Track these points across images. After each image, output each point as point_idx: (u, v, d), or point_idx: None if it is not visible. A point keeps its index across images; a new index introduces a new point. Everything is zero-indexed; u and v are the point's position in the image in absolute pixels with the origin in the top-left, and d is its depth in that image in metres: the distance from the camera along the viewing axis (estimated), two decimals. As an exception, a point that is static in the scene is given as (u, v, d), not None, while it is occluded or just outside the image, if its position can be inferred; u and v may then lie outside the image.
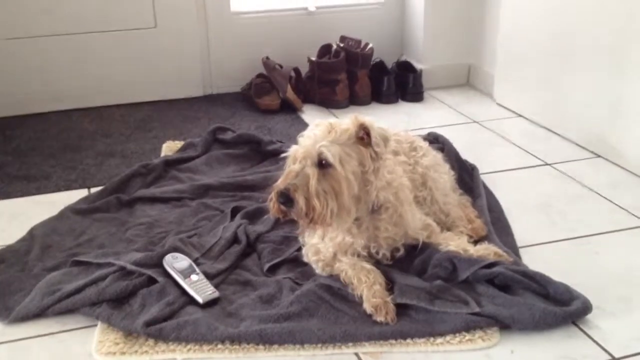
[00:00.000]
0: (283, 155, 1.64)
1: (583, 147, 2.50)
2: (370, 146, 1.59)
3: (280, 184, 1.57)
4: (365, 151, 1.59)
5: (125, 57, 3.03)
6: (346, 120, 1.62)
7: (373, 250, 1.70)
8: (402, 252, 1.73)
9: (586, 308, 1.53)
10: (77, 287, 1.59)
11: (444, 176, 1.91)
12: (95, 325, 1.53)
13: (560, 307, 1.53)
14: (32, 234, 1.91)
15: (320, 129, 1.60)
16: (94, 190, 2.20)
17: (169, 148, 2.55)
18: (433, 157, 1.92)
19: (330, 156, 1.55)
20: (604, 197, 2.13)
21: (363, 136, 1.60)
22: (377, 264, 1.69)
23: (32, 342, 1.51)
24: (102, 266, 1.69)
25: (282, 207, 1.56)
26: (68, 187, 2.26)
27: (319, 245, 1.71)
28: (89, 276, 1.64)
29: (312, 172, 1.55)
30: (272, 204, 1.58)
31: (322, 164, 1.56)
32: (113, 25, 2.98)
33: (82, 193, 2.19)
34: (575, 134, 2.55)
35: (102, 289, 1.59)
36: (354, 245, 1.68)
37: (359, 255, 1.69)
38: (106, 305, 1.55)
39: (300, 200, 1.53)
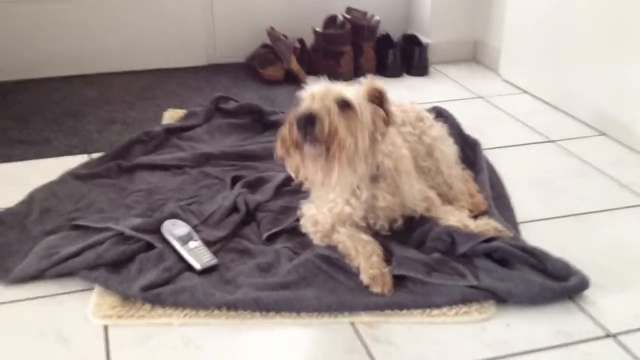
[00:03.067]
0: (298, 93, 1.58)
1: (588, 125, 2.48)
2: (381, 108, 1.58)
3: (300, 110, 1.50)
4: (378, 110, 1.58)
5: (129, 24, 3.00)
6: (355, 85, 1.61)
7: (371, 221, 1.69)
8: (399, 222, 1.72)
9: (583, 284, 1.53)
10: (76, 251, 1.60)
11: (450, 149, 1.90)
12: (93, 289, 1.53)
13: (558, 283, 1.52)
14: (31, 197, 1.91)
15: (324, 84, 1.58)
16: (94, 156, 2.19)
17: (171, 116, 2.53)
18: (439, 129, 1.90)
19: (352, 98, 1.53)
20: (607, 175, 2.12)
21: (374, 99, 1.59)
22: (376, 235, 1.69)
23: (30, 303, 1.51)
24: (101, 230, 1.69)
25: (299, 133, 1.47)
26: (69, 153, 2.25)
27: (318, 216, 1.70)
28: (88, 240, 1.64)
29: (333, 107, 1.51)
30: (283, 136, 1.51)
31: (342, 105, 1.52)
32: (117, -10, 2.96)
33: (82, 159, 2.19)
34: (581, 111, 2.53)
35: (100, 253, 1.59)
36: (352, 216, 1.67)
37: (357, 227, 1.68)
38: (104, 269, 1.55)
39: (325, 122, 1.47)
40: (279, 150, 1.55)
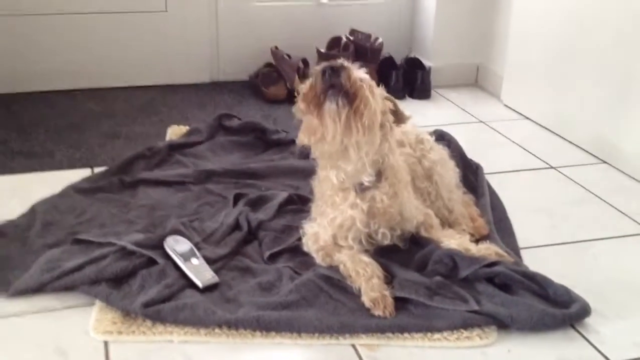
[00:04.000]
0: (310, 70, 1.60)
1: (589, 153, 2.49)
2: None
3: (324, 63, 1.49)
4: (387, 102, 1.61)
5: (134, 39, 3.02)
6: None
7: (372, 228, 1.68)
8: (399, 232, 1.72)
9: (585, 311, 1.53)
10: (77, 265, 1.59)
11: (450, 172, 1.91)
12: (94, 304, 1.53)
13: (560, 309, 1.52)
14: (33, 210, 1.90)
15: None
16: (97, 170, 2.19)
17: (174, 132, 2.54)
18: (440, 152, 1.91)
19: (363, 74, 1.54)
20: (608, 203, 2.13)
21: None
22: (377, 254, 1.68)
23: (30, 317, 1.50)
24: (103, 245, 1.68)
25: (324, 81, 1.45)
26: (71, 166, 2.25)
27: (319, 232, 1.70)
28: (89, 255, 1.63)
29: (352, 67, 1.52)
30: (307, 88, 1.50)
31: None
32: (123, 6, 2.97)
33: (85, 172, 2.19)
34: (582, 139, 2.54)
35: (102, 268, 1.58)
36: (355, 223, 1.66)
37: (360, 242, 1.68)
38: (105, 285, 1.55)
39: (352, 72, 1.47)
40: (300, 105, 1.53)
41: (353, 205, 1.66)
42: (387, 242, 1.70)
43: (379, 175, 1.66)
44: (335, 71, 1.47)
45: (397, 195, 1.68)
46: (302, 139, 1.59)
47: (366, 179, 1.65)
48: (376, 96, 1.56)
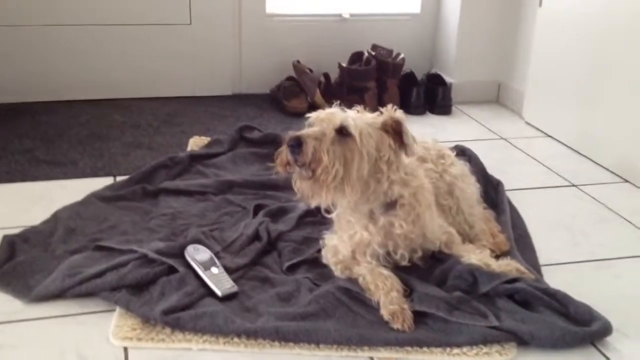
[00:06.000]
0: (307, 115, 1.62)
1: (611, 172, 2.48)
2: (391, 138, 1.60)
3: (295, 132, 1.56)
4: (386, 139, 1.60)
5: (158, 51, 3.06)
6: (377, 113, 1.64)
7: (390, 249, 1.68)
8: (420, 254, 1.72)
9: (606, 330, 1.51)
10: (99, 271, 1.61)
11: (471, 187, 1.90)
12: (114, 310, 1.54)
13: (580, 327, 1.51)
14: (56, 216, 1.93)
15: (350, 111, 1.62)
16: (119, 178, 2.22)
17: (196, 143, 2.56)
18: (461, 168, 1.91)
19: (352, 125, 1.55)
20: (630, 222, 2.11)
21: (389, 128, 1.61)
22: (396, 268, 1.68)
23: (51, 322, 1.52)
24: (124, 252, 1.70)
25: (289, 154, 1.53)
26: (94, 174, 2.28)
27: (338, 245, 1.71)
28: (111, 261, 1.65)
29: (329, 132, 1.55)
30: (280, 154, 1.56)
31: (342, 132, 1.55)
32: (149, 19, 3.02)
33: (107, 181, 2.22)
34: (604, 157, 2.53)
35: (123, 275, 1.60)
36: (371, 244, 1.67)
37: (378, 258, 1.68)
38: (126, 291, 1.56)
39: (310, 147, 1.52)
40: (277, 166, 1.60)
41: (366, 227, 1.67)
42: (404, 262, 1.70)
43: (393, 204, 1.66)
44: (298, 145, 1.53)
45: (420, 218, 1.68)
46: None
47: (375, 210, 1.66)
48: (360, 152, 1.56)
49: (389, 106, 1.64)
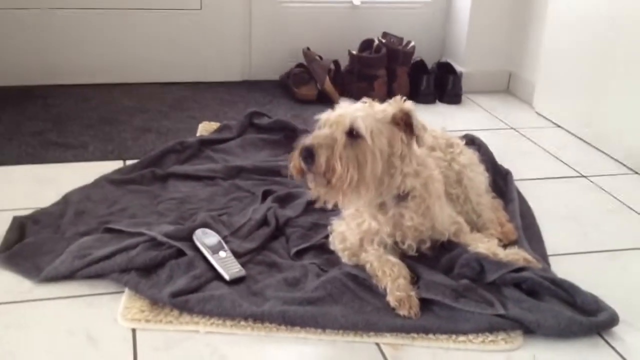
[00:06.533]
0: (316, 117, 1.62)
1: (621, 163, 2.47)
2: (402, 131, 1.59)
3: (305, 141, 1.55)
4: (397, 133, 1.59)
5: (169, 36, 3.06)
6: (386, 104, 1.62)
7: (398, 239, 1.69)
8: (428, 244, 1.72)
9: (613, 320, 1.51)
10: (108, 253, 1.62)
11: (480, 176, 1.90)
12: (123, 292, 1.55)
13: (587, 317, 1.51)
14: (66, 199, 1.94)
15: (359, 103, 1.61)
16: (129, 162, 2.23)
17: (205, 128, 2.57)
18: (470, 156, 1.91)
19: (362, 127, 1.54)
20: (638, 213, 2.10)
21: (399, 121, 1.59)
22: (403, 256, 1.69)
23: (60, 302, 1.53)
24: (134, 235, 1.71)
25: (302, 163, 1.53)
26: (104, 158, 2.29)
27: (346, 233, 1.71)
28: (120, 243, 1.66)
29: (340, 137, 1.54)
30: (292, 161, 1.56)
31: (353, 134, 1.54)
32: (160, 4, 3.02)
33: (117, 164, 2.23)
34: (614, 148, 2.52)
35: (132, 257, 1.61)
36: (379, 233, 1.67)
37: (385, 247, 1.68)
38: (135, 273, 1.57)
39: (322, 157, 1.51)
40: (291, 172, 1.59)
41: (375, 217, 1.67)
42: (412, 252, 1.70)
43: (405, 195, 1.66)
44: (310, 155, 1.52)
45: (430, 210, 1.67)
46: None
47: (386, 201, 1.66)
48: (372, 152, 1.54)
49: (398, 97, 1.63)
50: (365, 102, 1.62)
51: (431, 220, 1.69)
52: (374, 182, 1.58)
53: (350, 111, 1.58)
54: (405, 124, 1.60)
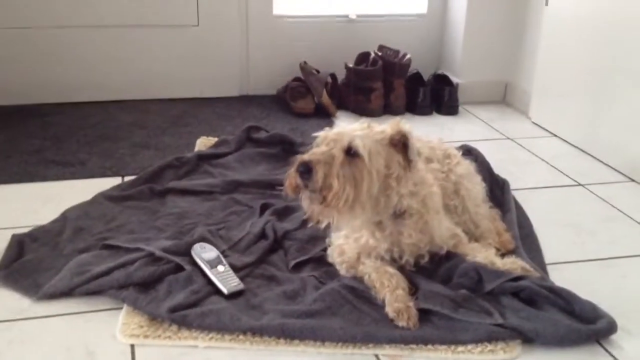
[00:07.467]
0: (314, 135, 1.62)
1: (618, 171, 2.47)
2: (400, 153, 1.59)
3: (304, 156, 1.55)
4: (395, 155, 1.60)
5: (166, 53, 3.08)
6: (385, 125, 1.63)
7: (396, 255, 1.69)
8: (426, 259, 1.72)
9: (611, 328, 1.51)
10: (106, 270, 1.62)
11: (477, 187, 1.91)
12: (121, 308, 1.55)
13: (585, 325, 1.51)
14: (65, 216, 1.95)
15: (357, 124, 1.61)
16: (127, 179, 2.24)
17: (203, 143, 2.58)
18: (467, 167, 1.91)
19: (361, 146, 1.54)
20: (636, 221, 2.10)
21: (397, 143, 1.60)
22: (402, 269, 1.69)
23: (59, 319, 1.54)
24: (132, 251, 1.72)
25: (299, 179, 1.53)
26: (102, 175, 2.30)
27: (344, 246, 1.72)
28: (118, 260, 1.67)
29: (338, 154, 1.54)
30: (289, 177, 1.56)
31: (351, 152, 1.55)
32: (157, 20, 3.04)
33: (115, 181, 2.24)
34: (611, 157, 2.52)
35: (130, 273, 1.61)
36: (377, 249, 1.68)
37: (382, 259, 1.69)
38: (133, 289, 1.57)
39: (320, 173, 1.51)
40: (286, 189, 1.59)
41: (373, 233, 1.68)
42: (409, 268, 1.70)
43: (401, 213, 1.66)
44: (307, 171, 1.52)
45: (428, 224, 1.68)
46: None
47: (383, 220, 1.66)
48: (369, 171, 1.55)
49: (397, 119, 1.64)
50: (364, 123, 1.63)
51: (430, 235, 1.69)
52: (369, 202, 1.58)
53: (348, 130, 1.59)
54: (402, 145, 1.61)
